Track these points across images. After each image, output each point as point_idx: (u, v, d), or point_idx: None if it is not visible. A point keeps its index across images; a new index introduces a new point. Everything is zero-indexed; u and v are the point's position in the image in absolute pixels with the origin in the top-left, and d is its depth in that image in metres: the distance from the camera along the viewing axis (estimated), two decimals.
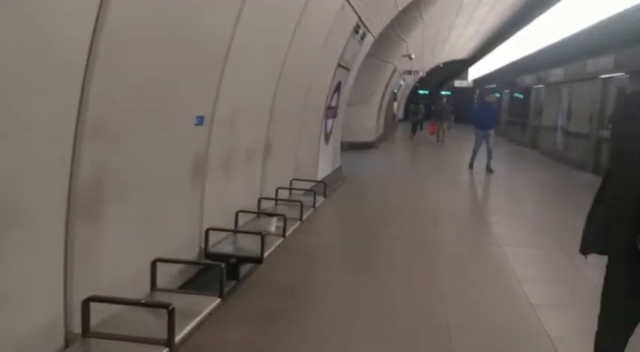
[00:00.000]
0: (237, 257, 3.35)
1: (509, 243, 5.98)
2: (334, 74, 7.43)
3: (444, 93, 40.74)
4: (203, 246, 3.50)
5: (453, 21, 18.90)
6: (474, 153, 11.70)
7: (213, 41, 3.32)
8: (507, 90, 23.53)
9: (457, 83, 36.88)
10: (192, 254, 3.46)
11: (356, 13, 7.03)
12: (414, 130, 22.31)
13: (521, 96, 21.26)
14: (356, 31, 7.53)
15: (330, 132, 8.49)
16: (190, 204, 3.44)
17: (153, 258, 2.82)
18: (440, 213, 7.34)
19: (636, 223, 1.95)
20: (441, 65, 36.12)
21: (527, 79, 19.45)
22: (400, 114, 27.44)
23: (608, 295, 2.23)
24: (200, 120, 3.40)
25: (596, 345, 2.31)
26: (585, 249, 2.24)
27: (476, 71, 33.94)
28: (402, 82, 25.30)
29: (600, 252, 2.20)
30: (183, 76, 3.03)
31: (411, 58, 17.17)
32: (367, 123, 15.91)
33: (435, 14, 14.70)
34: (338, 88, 8.16)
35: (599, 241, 2.16)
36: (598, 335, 2.30)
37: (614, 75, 10.62)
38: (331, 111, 8.16)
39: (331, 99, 7.84)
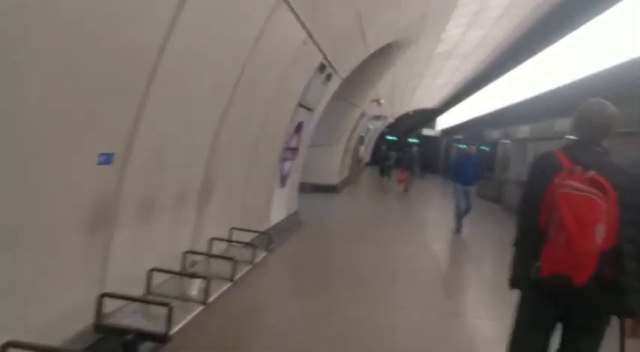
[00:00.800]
0: (136, 332, 2.63)
1: (471, 312, 5.41)
2: (294, 113, 6.89)
3: (411, 140, 41.07)
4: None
5: (424, 70, 18.89)
6: (458, 213, 9.86)
7: (129, 59, 2.69)
8: (475, 144, 23.54)
9: (425, 131, 37.12)
10: (81, 326, 2.73)
11: (321, 51, 6.56)
12: (383, 174, 22.03)
13: (487, 149, 21.24)
14: (320, 70, 7.05)
15: (287, 175, 7.89)
16: (83, 264, 2.74)
17: (5, 338, 2.10)
18: (400, 272, 6.75)
19: (534, 255, 2.25)
20: (411, 112, 36.43)
21: (494, 133, 19.44)
22: (367, 158, 27.17)
23: (515, 327, 2.44)
24: (106, 159, 2.74)
25: None
26: (512, 285, 2.46)
27: (444, 121, 34.27)
28: (370, 126, 25.13)
29: (519, 287, 2.43)
30: (76, 101, 2.39)
31: (379, 104, 16.93)
32: (331, 166, 15.43)
33: (406, 61, 14.55)
34: (299, 128, 7.62)
35: (520, 276, 2.40)
36: None
37: None
38: (290, 153, 7.59)
39: (290, 139, 7.28)
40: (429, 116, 38.64)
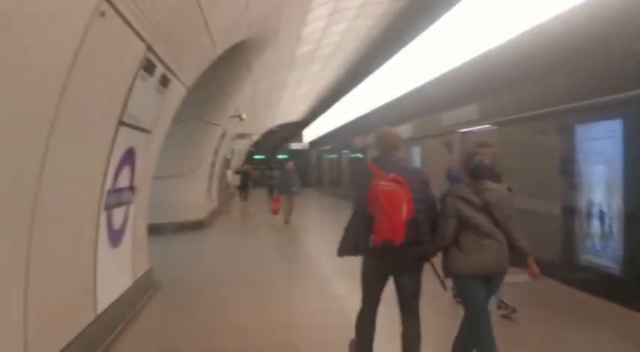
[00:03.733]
0: None
1: None
2: (114, 138, 4.54)
3: (281, 156, 39.43)
4: None
5: (286, 77, 17.20)
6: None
7: None
8: (346, 151, 22.36)
9: (294, 146, 35.68)
10: None
11: (140, 37, 4.32)
12: (271, 193, 20.01)
13: (361, 156, 20.06)
14: (147, 69, 4.79)
15: (123, 227, 5.46)
16: None
17: None
18: (302, 343, 4.69)
19: (368, 232, 3.39)
20: (276, 128, 34.84)
21: (365, 139, 18.09)
22: (236, 181, 24.83)
23: (362, 280, 3.67)
24: None
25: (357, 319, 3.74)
26: (341, 253, 3.60)
27: (311, 132, 33.11)
28: (235, 147, 22.93)
29: (351, 254, 3.58)
30: None
31: (241, 119, 14.84)
32: (195, 198, 12.98)
33: (264, 67, 12.64)
34: (130, 157, 5.26)
35: (349, 247, 3.56)
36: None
37: (477, 127, 9.23)
38: (121, 195, 5.19)
39: (116, 176, 4.90)
40: (294, 129, 37.37)
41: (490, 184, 3.55)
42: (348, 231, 3.57)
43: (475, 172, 3.53)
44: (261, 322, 5.38)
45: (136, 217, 5.97)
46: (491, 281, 3.50)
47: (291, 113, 30.61)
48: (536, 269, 3.51)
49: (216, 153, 14.95)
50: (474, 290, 3.46)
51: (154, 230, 9.09)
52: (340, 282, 6.96)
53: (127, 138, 4.94)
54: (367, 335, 3.66)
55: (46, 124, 3.11)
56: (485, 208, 3.44)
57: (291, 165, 14.00)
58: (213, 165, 14.99)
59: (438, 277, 3.54)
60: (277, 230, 12.86)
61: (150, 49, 4.63)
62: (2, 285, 2.95)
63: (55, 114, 3.15)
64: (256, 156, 38.92)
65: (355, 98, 19.40)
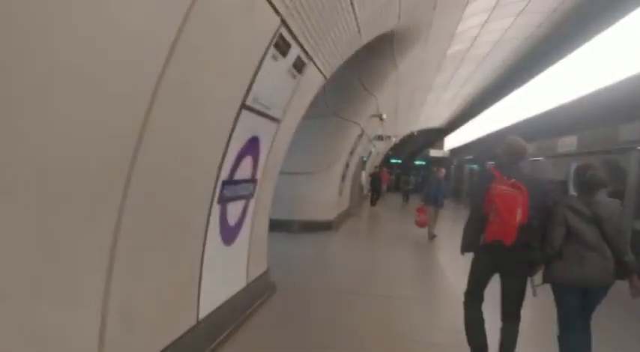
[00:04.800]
0: None
1: None
2: (235, 122, 4.00)
3: (418, 162, 38.09)
4: None
5: (433, 79, 16.10)
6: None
7: None
8: (491, 162, 20.60)
9: (433, 152, 34.19)
10: None
11: (274, 9, 3.71)
12: (405, 199, 23.35)
13: None
14: (279, 47, 4.19)
15: (240, 223, 4.96)
16: None
17: None
18: None
19: (481, 231, 3.68)
20: (415, 133, 33.67)
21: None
22: (369, 184, 24.18)
23: (469, 274, 3.97)
24: None
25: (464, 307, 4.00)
26: (462, 251, 3.95)
27: (453, 140, 31.40)
28: (372, 149, 22.27)
29: (469, 251, 3.90)
30: None
31: (382, 119, 14.08)
32: (324, 198, 12.49)
33: (411, 65, 11.73)
34: (251, 147, 4.73)
35: (467, 244, 3.90)
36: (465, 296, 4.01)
37: None
38: (239, 187, 4.68)
39: (235, 166, 4.38)
40: (435, 135, 35.88)
41: (602, 197, 3.62)
42: (466, 230, 3.93)
43: (587, 185, 3.60)
44: (382, 348, 4.54)
45: (256, 213, 5.46)
46: (593, 293, 3.55)
47: (433, 118, 29.25)
48: (639, 285, 3.52)
49: (351, 153, 14.37)
50: (567, 299, 3.60)
51: (278, 226, 8.67)
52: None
53: (250, 125, 4.40)
54: (478, 332, 3.88)
55: (145, 97, 2.58)
56: (595, 221, 3.51)
57: (442, 172, 12.18)
58: (347, 165, 14.44)
59: (531, 283, 3.77)
60: (411, 242, 11.86)
61: (284, 23, 4.02)
62: (76, 284, 2.46)
63: (156, 84, 2.61)
64: (393, 160, 38.07)
65: (509, 105, 17.66)
